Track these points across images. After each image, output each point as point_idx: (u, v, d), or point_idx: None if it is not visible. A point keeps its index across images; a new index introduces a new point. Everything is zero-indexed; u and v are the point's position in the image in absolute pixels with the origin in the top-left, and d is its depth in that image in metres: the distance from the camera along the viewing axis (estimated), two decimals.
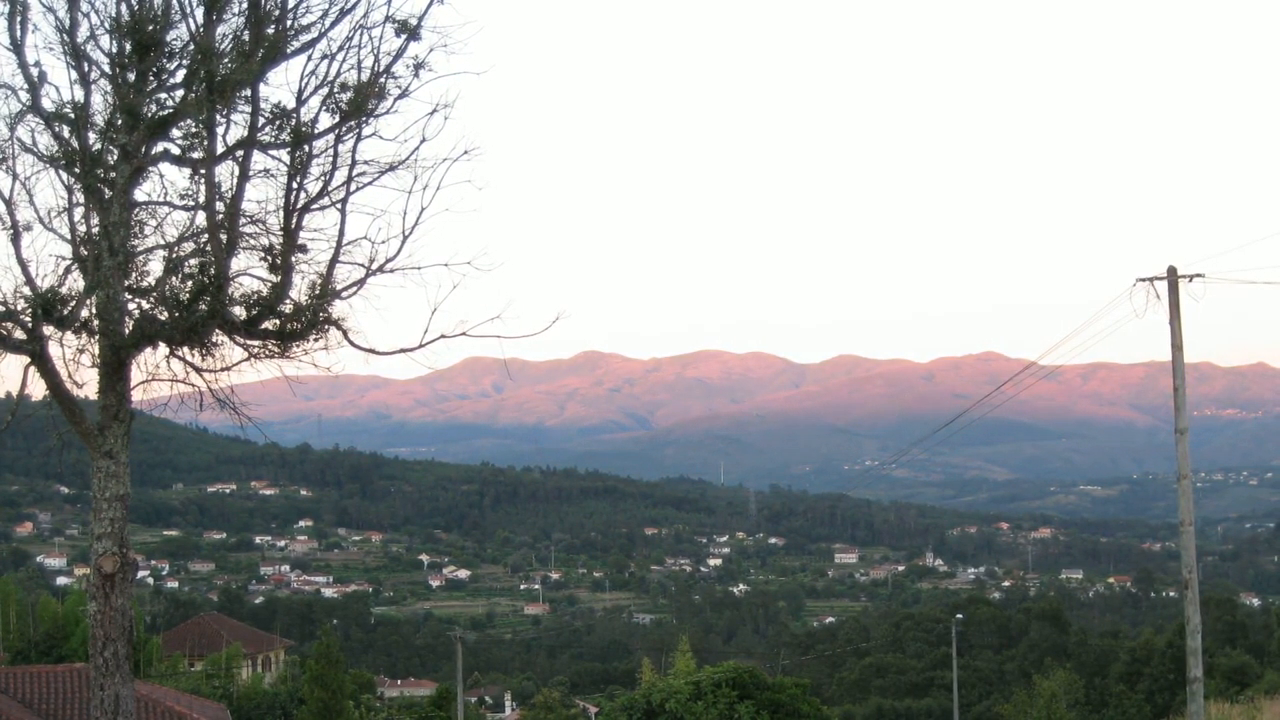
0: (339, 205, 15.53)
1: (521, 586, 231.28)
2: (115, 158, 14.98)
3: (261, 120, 15.04)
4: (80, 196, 15.39)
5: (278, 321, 15.43)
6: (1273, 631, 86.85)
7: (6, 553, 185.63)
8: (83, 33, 15.06)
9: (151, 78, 15.10)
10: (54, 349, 15.15)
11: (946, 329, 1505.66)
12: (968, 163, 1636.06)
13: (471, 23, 15.08)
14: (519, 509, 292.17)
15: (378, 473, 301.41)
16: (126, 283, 15.20)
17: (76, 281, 15.47)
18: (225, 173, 15.20)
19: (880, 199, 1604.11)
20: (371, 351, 16.02)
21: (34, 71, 15.09)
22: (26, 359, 14.98)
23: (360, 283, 15.77)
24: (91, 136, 15.16)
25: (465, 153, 15.43)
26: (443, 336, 15.83)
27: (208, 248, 15.25)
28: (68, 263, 15.54)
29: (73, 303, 15.22)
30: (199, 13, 14.85)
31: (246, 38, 14.77)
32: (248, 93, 14.82)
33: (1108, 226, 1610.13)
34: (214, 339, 15.51)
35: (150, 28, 14.81)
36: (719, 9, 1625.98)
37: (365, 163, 15.49)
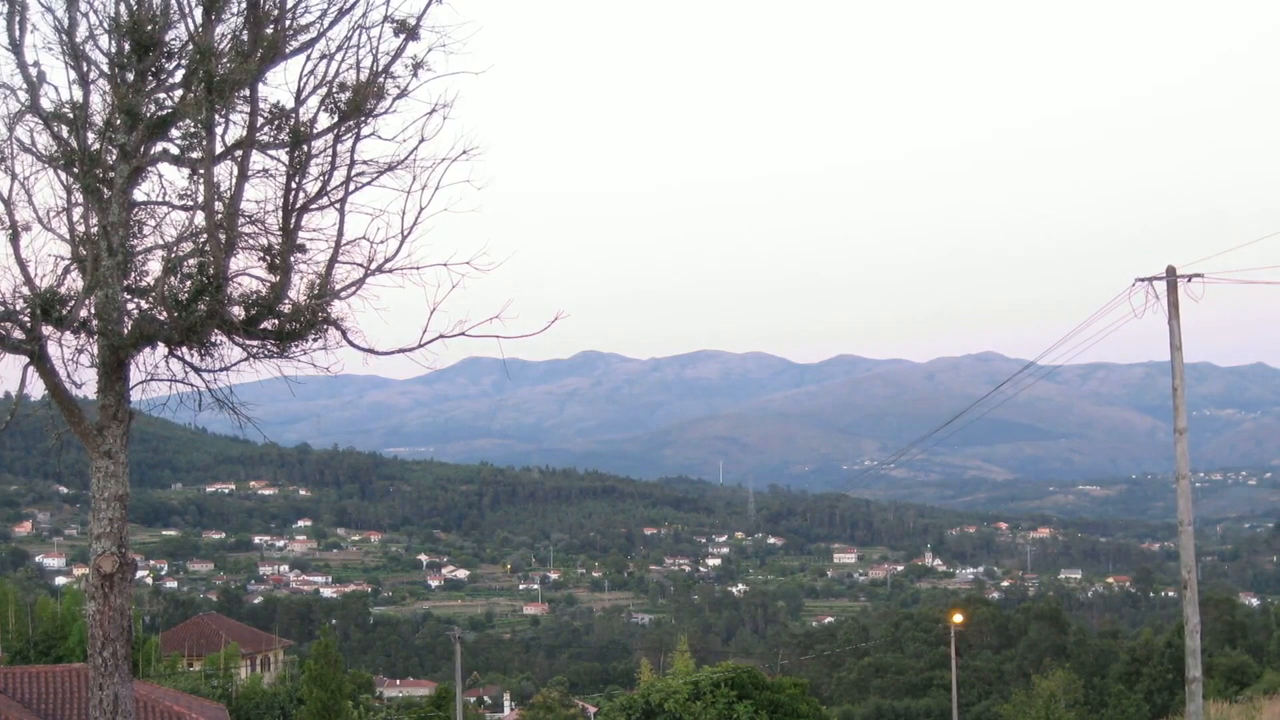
0: (338, 205, 15.51)
1: (520, 586, 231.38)
2: (114, 158, 14.97)
3: (260, 120, 15.03)
4: (79, 196, 15.37)
5: (277, 321, 15.40)
6: (1271, 631, 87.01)
7: (6, 552, 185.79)
8: (81, 33, 15.05)
9: (150, 78, 15.09)
10: (53, 349, 15.14)
11: (946, 329, 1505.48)
12: (967, 163, 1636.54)
13: (470, 22, 15.07)
14: (518, 509, 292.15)
15: (377, 473, 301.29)
16: (125, 283, 15.18)
17: (75, 281, 15.45)
18: (224, 173, 15.19)
19: (880, 198, 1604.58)
20: (370, 351, 16.01)
21: (33, 71, 15.08)
22: (26, 359, 14.95)
23: (359, 283, 15.75)
24: (90, 136, 15.14)
25: (464, 153, 15.42)
26: (442, 336, 15.80)
27: (207, 248, 15.21)
28: (67, 262, 15.53)
29: (72, 303, 15.20)
30: (198, 12, 14.83)
31: (245, 38, 14.76)
32: (246, 93, 14.80)
33: (1108, 226, 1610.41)
34: (213, 339, 15.49)
35: (149, 28, 14.81)
36: (719, 8, 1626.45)
37: (364, 163, 15.48)
